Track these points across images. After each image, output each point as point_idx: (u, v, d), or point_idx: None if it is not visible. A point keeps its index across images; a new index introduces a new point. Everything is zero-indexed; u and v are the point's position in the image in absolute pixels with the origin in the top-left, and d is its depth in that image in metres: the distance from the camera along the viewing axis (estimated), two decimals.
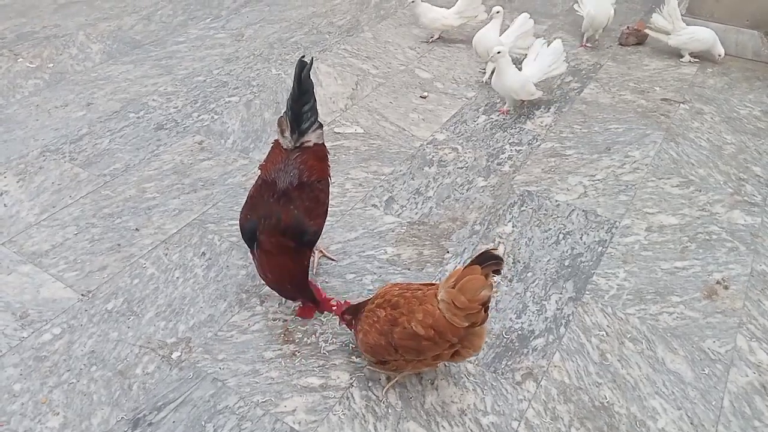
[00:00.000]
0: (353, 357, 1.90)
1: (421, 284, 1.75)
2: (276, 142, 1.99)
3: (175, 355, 1.89)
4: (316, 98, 1.97)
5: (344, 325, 1.87)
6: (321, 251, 2.24)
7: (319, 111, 2.00)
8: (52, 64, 3.39)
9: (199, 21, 3.92)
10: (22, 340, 1.92)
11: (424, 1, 3.66)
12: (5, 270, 2.15)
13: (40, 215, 2.40)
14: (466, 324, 1.58)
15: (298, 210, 1.88)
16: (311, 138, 1.97)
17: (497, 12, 3.30)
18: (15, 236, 2.30)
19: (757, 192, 2.65)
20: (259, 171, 2.00)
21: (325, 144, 2.06)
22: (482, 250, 1.57)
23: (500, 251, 2.30)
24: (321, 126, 2.01)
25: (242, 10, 4.08)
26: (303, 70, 1.88)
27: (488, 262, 1.54)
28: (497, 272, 1.57)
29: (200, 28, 3.83)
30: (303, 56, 1.95)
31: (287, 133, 1.94)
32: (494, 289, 1.62)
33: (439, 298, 1.60)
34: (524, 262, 2.28)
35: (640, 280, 2.22)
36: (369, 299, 1.80)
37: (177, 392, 1.79)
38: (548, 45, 3.14)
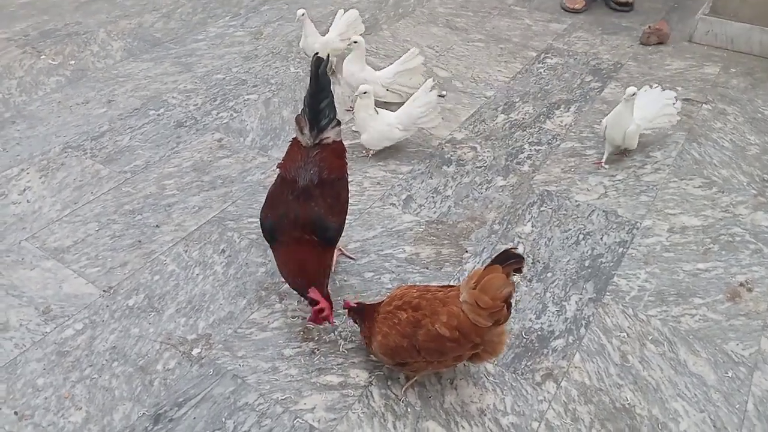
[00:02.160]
0: (372, 355, 1.90)
1: (439, 286, 1.75)
2: (294, 140, 2.00)
3: (195, 352, 1.90)
4: (334, 95, 1.97)
5: (352, 321, 1.87)
6: (340, 249, 2.24)
7: (337, 109, 2.01)
8: (73, 62, 3.43)
9: (218, 19, 3.94)
10: (45, 335, 1.95)
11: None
12: (28, 265, 2.18)
13: (62, 211, 2.43)
14: (490, 323, 1.57)
15: (320, 207, 1.87)
16: (330, 135, 1.97)
17: (355, 42, 2.86)
18: (38, 232, 2.33)
19: None
20: (278, 169, 2.00)
21: (341, 141, 2.06)
22: (502, 250, 1.57)
23: (519, 250, 2.29)
24: (339, 123, 2.01)
25: (261, 8, 4.09)
26: (320, 66, 1.88)
27: (509, 261, 1.54)
28: (518, 271, 1.56)
29: (219, 26, 3.85)
30: (317, 53, 1.95)
31: (306, 130, 1.94)
32: (515, 287, 1.61)
33: (461, 299, 1.60)
34: (544, 263, 2.26)
35: (661, 281, 2.20)
36: (380, 302, 1.79)
37: (197, 388, 1.80)
38: (430, 90, 2.67)
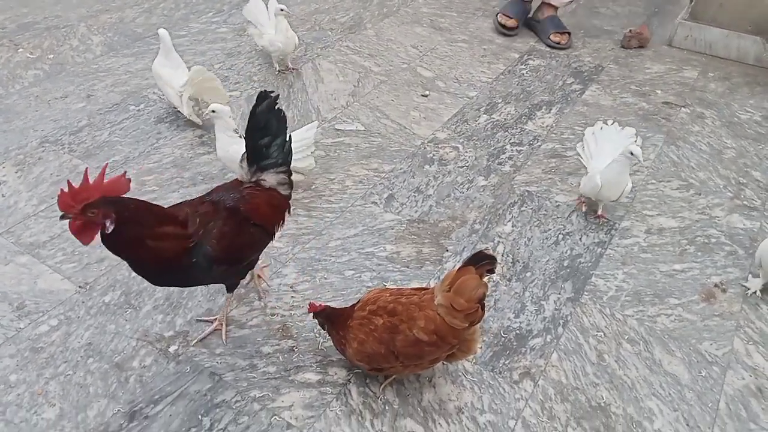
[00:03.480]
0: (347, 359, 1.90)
1: (412, 289, 1.75)
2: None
3: (172, 349, 1.89)
4: (290, 137, 1.80)
5: (317, 325, 1.85)
6: (218, 323, 1.96)
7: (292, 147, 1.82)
8: (52, 55, 3.38)
9: (201, 15, 3.91)
10: (19, 330, 1.91)
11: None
12: (2, 261, 2.15)
13: (38, 206, 2.39)
14: (466, 324, 1.58)
15: (215, 225, 1.65)
16: (269, 179, 1.79)
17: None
18: (13, 227, 2.29)
19: (757, 196, 2.66)
20: None
21: (289, 200, 1.85)
22: (476, 251, 1.58)
23: (498, 251, 2.30)
24: (288, 173, 1.82)
25: (244, 5, 4.05)
26: (261, 102, 1.71)
27: (482, 262, 1.55)
28: (491, 271, 1.57)
29: (202, 22, 3.81)
30: (265, 90, 1.74)
31: (245, 164, 1.78)
32: (489, 287, 1.61)
33: (436, 302, 1.60)
34: (523, 262, 2.28)
35: (638, 281, 2.23)
36: (351, 307, 1.77)
37: (174, 386, 1.78)
38: (315, 128, 2.43)
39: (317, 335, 1.95)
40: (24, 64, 3.28)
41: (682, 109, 3.23)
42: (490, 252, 1.58)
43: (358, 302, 1.77)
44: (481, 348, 1.95)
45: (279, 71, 3.31)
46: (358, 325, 1.69)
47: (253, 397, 1.77)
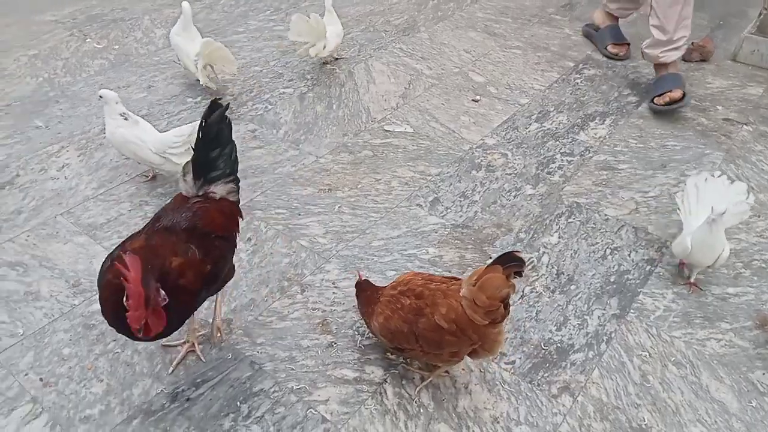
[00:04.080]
0: (389, 354, 1.90)
1: (444, 277, 1.76)
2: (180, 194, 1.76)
3: (215, 335, 1.93)
4: (236, 145, 1.75)
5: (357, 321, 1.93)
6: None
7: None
8: (117, 46, 3.52)
9: (259, 12, 4.00)
10: (74, 307, 2.00)
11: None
12: (62, 239, 2.25)
13: (98, 189, 2.49)
14: (486, 321, 1.58)
15: (181, 249, 1.56)
16: (218, 190, 1.71)
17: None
18: (73, 208, 2.39)
19: None
20: None
21: (238, 205, 1.81)
22: (506, 251, 1.57)
23: (543, 261, 2.27)
24: (236, 181, 1.77)
25: (302, 4, 4.14)
26: (213, 112, 1.65)
27: (510, 263, 1.54)
28: (519, 274, 1.56)
29: (260, 20, 3.90)
30: (219, 98, 1.69)
31: (189, 178, 1.69)
32: (515, 288, 1.59)
33: (461, 294, 1.61)
34: (568, 275, 2.23)
35: (688, 303, 2.15)
36: (383, 287, 1.82)
37: (215, 371, 1.83)
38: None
39: (356, 332, 1.97)
40: (91, 53, 3.43)
41: (744, 126, 3.11)
42: (521, 255, 1.56)
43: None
44: (520, 359, 1.92)
45: (331, 69, 3.35)
46: (387, 302, 1.74)
47: (291, 388, 1.80)
